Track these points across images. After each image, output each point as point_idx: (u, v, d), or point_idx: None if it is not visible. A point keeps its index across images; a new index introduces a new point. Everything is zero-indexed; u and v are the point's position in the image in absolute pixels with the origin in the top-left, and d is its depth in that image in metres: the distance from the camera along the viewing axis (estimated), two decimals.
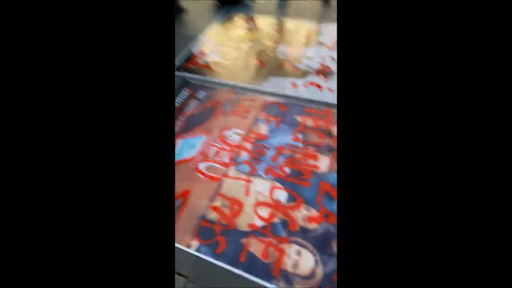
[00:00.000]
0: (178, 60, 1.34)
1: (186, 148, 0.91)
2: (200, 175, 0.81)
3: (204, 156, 0.87)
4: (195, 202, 0.74)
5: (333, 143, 0.90)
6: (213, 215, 0.71)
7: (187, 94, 1.13)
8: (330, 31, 1.54)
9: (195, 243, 0.66)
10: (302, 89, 1.14)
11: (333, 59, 1.31)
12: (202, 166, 0.84)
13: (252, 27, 1.62)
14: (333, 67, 1.26)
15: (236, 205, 0.73)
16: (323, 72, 1.24)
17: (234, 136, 0.94)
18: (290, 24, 1.65)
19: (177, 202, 0.75)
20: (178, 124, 1.00)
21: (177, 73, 1.26)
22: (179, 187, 0.79)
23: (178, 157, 0.88)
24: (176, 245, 0.65)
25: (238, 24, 1.65)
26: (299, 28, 1.59)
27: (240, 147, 0.90)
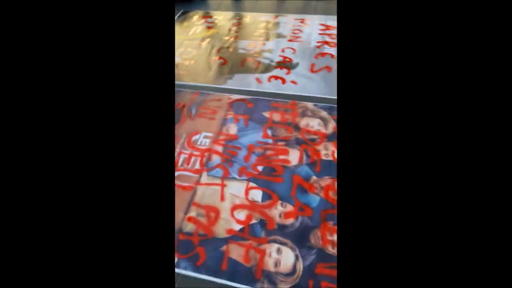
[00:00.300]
0: None
1: None
2: None
3: (174, 165, 0.85)
4: None
5: (301, 136, 0.91)
6: (190, 227, 0.70)
7: None
8: (288, 23, 1.54)
9: (174, 258, 0.64)
10: (266, 84, 1.13)
11: (294, 51, 1.32)
12: None
13: (210, 24, 1.58)
14: (294, 58, 1.27)
15: (213, 212, 0.72)
16: (285, 64, 1.24)
17: (203, 140, 0.92)
18: (248, 17, 1.62)
19: None
20: None
21: None
22: None
23: None
24: None
25: (195, 22, 1.59)
26: (257, 21, 1.57)
27: (210, 150, 0.88)
